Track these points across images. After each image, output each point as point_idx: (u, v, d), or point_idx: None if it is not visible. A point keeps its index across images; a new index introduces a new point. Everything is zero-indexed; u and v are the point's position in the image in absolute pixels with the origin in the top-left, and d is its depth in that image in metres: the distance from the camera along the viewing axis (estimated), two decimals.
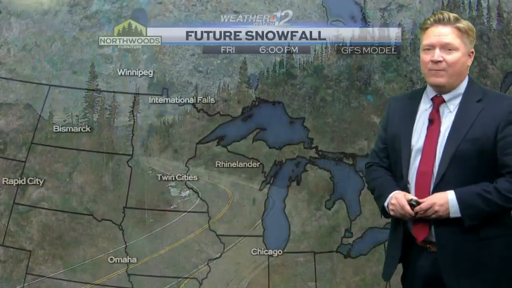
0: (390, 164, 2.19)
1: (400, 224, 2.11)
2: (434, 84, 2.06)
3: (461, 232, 1.97)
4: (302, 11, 3.40)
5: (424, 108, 2.10)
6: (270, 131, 3.43)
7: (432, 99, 2.08)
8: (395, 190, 2.09)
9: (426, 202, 1.97)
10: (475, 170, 1.97)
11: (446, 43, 2.01)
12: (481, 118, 1.99)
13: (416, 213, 1.99)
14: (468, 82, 2.09)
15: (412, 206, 2.00)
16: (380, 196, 2.17)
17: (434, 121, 2.05)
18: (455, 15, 2.06)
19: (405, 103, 2.16)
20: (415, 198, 2.01)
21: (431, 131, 2.04)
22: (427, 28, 2.06)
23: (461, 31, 2.02)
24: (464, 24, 2.04)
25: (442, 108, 2.06)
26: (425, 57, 2.05)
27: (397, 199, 2.04)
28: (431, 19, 2.06)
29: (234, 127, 3.43)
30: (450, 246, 1.99)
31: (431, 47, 2.03)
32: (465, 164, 1.97)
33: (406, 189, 2.08)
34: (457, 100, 2.05)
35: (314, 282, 3.46)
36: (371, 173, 2.27)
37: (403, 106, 2.16)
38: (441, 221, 1.99)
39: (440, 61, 2.01)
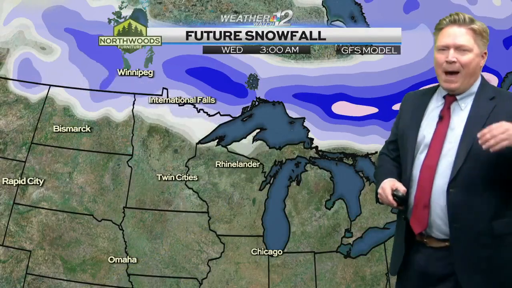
0: (397, 156, 2.27)
1: (402, 219, 2.19)
2: (447, 90, 2.09)
3: (475, 229, 2.02)
4: (302, 11, 3.40)
5: (436, 105, 2.16)
6: (270, 131, 3.44)
7: (444, 97, 2.14)
8: (389, 178, 2.18)
9: (496, 124, 1.91)
10: (490, 166, 1.99)
11: (461, 45, 2.05)
12: (495, 115, 2.02)
13: (399, 203, 2.08)
14: (481, 82, 2.14)
15: (394, 196, 2.08)
16: (377, 183, 2.26)
17: (444, 117, 2.10)
18: (470, 16, 2.08)
19: (417, 99, 2.23)
20: (400, 189, 2.09)
21: (440, 127, 2.10)
22: (441, 29, 2.11)
23: (476, 32, 2.06)
24: (478, 25, 2.06)
25: (453, 106, 2.11)
26: (440, 57, 2.09)
27: (383, 188, 2.12)
28: (447, 20, 2.10)
29: (234, 127, 3.43)
30: (465, 244, 2.03)
31: (446, 48, 2.07)
32: (481, 161, 2.00)
33: (409, 182, 2.13)
34: (469, 99, 2.10)
35: (314, 282, 3.46)
36: (378, 161, 2.40)
37: (415, 102, 2.23)
38: (456, 219, 2.03)
39: (454, 62, 2.05)
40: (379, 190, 2.16)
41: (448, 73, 2.08)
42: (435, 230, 2.09)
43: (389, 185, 2.12)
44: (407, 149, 2.16)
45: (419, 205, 2.09)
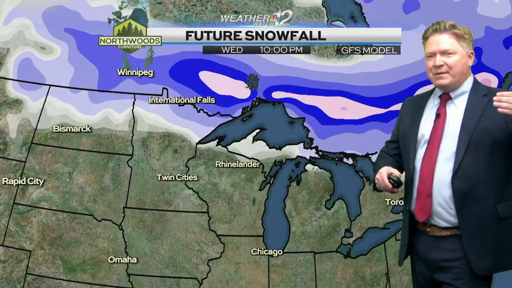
0: (395, 154, 2.48)
1: (406, 210, 2.36)
2: (439, 86, 2.31)
3: (482, 214, 2.19)
4: (302, 11, 3.40)
5: (432, 105, 2.35)
6: (270, 131, 3.44)
7: (440, 96, 2.33)
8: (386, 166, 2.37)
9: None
10: (490, 158, 2.18)
11: (445, 49, 2.25)
12: (489, 110, 2.20)
13: (394, 186, 2.26)
14: (474, 81, 2.32)
15: (390, 180, 2.26)
16: (374, 173, 2.44)
17: (440, 115, 2.28)
18: (451, 22, 2.32)
19: (416, 102, 2.44)
20: (395, 173, 2.28)
21: (437, 123, 2.28)
22: (427, 38, 2.31)
23: (457, 36, 2.27)
24: (460, 29, 2.28)
25: (448, 104, 2.30)
26: (429, 63, 2.30)
27: (381, 173, 2.31)
28: (430, 29, 2.31)
29: (234, 127, 3.43)
30: (473, 228, 2.19)
31: (433, 54, 2.28)
32: (480, 152, 2.18)
33: (412, 175, 2.31)
34: (463, 97, 2.29)
35: (314, 282, 3.46)
36: (377, 157, 2.59)
37: (414, 104, 2.43)
38: (463, 207, 2.19)
39: (441, 65, 2.25)
40: (377, 176, 2.33)
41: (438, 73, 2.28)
42: (437, 218, 2.25)
43: (386, 171, 2.30)
44: (409, 146, 2.34)
45: (422, 195, 2.26)
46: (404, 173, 2.39)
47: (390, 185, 2.27)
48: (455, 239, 2.23)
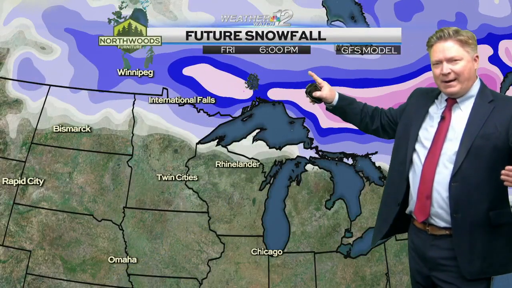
0: (375, 116, 2.57)
1: (396, 205, 2.39)
2: (448, 94, 2.31)
3: (474, 219, 2.21)
4: (302, 11, 3.40)
5: (438, 107, 2.36)
6: (270, 131, 3.44)
7: (446, 99, 2.34)
8: (341, 97, 2.56)
9: None
10: (489, 164, 2.19)
11: (451, 57, 2.26)
12: (493, 116, 2.23)
13: (311, 96, 2.53)
14: (480, 85, 2.33)
15: (309, 91, 2.52)
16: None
17: (445, 118, 2.30)
18: (454, 28, 2.30)
19: (424, 98, 2.44)
20: (322, 90, 2.49)
21: (441, 126, 2.29)
22: (432, 46, 2.32)
23: (462, 42, 2.27)
24: (464, 35, 2.28)
25: (454, 108, 2.31)
26: (436, 71, 2.31)
27: (324, 85, 2.52)
28: (434, 37, 2.31)
29: (234, 127, 3.43)
30: (465, 232, 2.22)
31: (439, 62, 2.28)
32: (480, 158, 2.20)
33: (413, 178, 2.32)
34: (469, 101, 2.30)
35: (314, 282, 3.46)
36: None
37: (421, 100, 2.44)
38: (457, 210, 2.21)
39: (449, 73, 2.26)
40: (320, 83, 2.53)
41: (446, 81, 2.28)
42: (437, 219, 2.28)
43: (326, 87, 2.51)
44: (408, 144, 2.35)
45: (422, 196, 2.29)
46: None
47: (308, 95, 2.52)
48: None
